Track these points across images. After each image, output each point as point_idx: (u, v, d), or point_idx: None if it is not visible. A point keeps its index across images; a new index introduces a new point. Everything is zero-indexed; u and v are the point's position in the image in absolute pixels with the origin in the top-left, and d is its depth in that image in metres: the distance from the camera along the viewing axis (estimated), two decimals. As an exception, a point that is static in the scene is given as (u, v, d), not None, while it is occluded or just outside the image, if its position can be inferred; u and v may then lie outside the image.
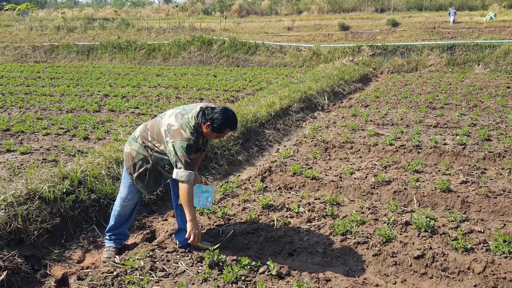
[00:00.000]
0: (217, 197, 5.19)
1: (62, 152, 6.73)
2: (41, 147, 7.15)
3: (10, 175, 5.63)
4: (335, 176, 5.70)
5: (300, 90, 10.92)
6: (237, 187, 5.54)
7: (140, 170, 3.78)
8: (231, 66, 19.61)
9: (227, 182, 5.74)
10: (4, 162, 6.37)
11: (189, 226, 3.56)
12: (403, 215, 4.51)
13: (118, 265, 3.67)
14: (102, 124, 8.49)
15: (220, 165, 6.51)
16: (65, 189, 4.57)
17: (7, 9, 45.97)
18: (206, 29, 27.73)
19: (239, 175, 6.27)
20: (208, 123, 3.52)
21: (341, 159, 6.48)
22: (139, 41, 23.60)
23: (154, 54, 22.06)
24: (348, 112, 9.73)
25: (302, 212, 4.61)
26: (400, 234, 4.05)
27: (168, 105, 10.40)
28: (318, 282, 3.39)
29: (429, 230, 4.05)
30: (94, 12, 47.06)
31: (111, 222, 4.05)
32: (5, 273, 3.43)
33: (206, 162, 6.35)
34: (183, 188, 3.49)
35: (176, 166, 3.48)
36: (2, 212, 4.01)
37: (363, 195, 5.14)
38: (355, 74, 14.61)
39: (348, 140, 7.23)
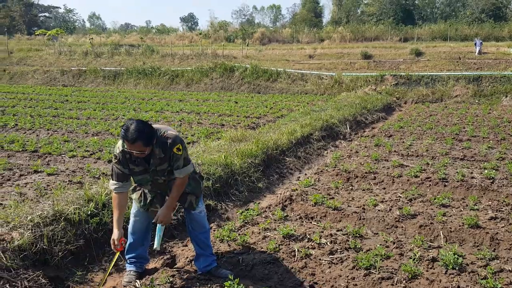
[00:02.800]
0: (237, 225, 5.19)
1: (87, 174, 6.86)
2: (67, 168, 7.30)
3: (37, 196, 5.76)
4: (358, 207, 5.65)
5: (321, 118, 10.94)
6: (257, 214, 5.54)
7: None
8: (252, 93, 19.82)
9: (247, 209, 5.74)
10: (31, 182, 6.52)
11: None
12: (430, 250, 4.41)
13: (139, 289, 3.69)
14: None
15: (240, 192, 6.53)
16: (89, 211, 4.65)
17: (38, 34, 47.66)
18: (228, 56, 28.20)
19: (259, 203, 6.26)
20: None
21: (364, 190, 6.43)
22: (163, 67, 24.12)
23: (177, 80, 22.48)
24: (371, 141, 9.69)
25: (324, 243, 4.57)
26: (427, 271, 3.97)
27: (190, 130, 10.53)
28: (340, 316, 3.34)
29: (457, 268, 3.95)
30: (120, 39, 48.42)
31: (128, 240, 4.09)
32: (29, 293, 3.48)
33: (227, 188, 6.37)
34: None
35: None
36: (29, 233, 4.09)
37: (387, 228, 5.06)
38: (378, 103, 14.59)
39: (371, 171, 7.17)
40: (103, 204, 4.87)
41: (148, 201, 3.88)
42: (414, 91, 18.07)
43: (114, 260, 3.90)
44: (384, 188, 6.52)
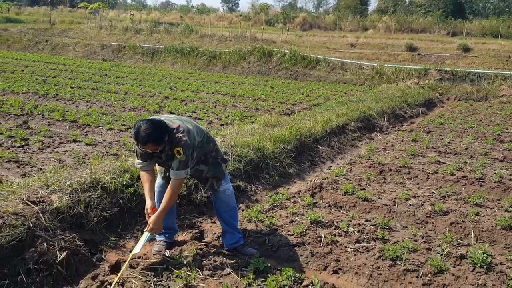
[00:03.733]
0: (265, 207, 5.25)
1: (123, 147, 7.05)
2: (104, 140, 7.52)
3: (75, 163, 5.98)
4: (389, 200, 5.60)
5: (358, 109, 10.81)
6: (286, 199, 5.58)
7: None
8: (289, 79, 19.69)
9: (277, 193, 5.79)
10: (70, 151, 6.77)
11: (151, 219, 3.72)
12: (459, 248, 4.35)
13: (168, 258, 3.82)
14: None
15: (270, 176, 6.56)
16: (125, 182, 4.80)
17: (80, 7, 48.72)
18: (267, 40, 28.04)
19: (288, 188, 6.29)
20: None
21: (396, 184, 6.36)
22: (201, 47, 24.24)
23: (214, 62, 22.56)
24: (408, 136, 9.52)
25: (351, 232, 4.57)
26: (454, 267, 3.92)
27: (224, 112, 10.61)
28: (363, 304, 3.35)
29: (485, 267, 3.88)
30: (160, 16, 48.80)
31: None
32: (65, 253, 3.68)
33: (257, 172, 6.42)
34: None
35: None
36: (67, 197, 4.27)
37: (417, 223, 5.00)
38: (419, 97, 14.25)
39: (406, 165, 7.07)
40: (138, 176, 5.00)
41: (168, 174, 3.93)
42: (458, 87, 17.49)
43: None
44: (418, 184, 6.42)
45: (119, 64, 21.71)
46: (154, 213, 3.71)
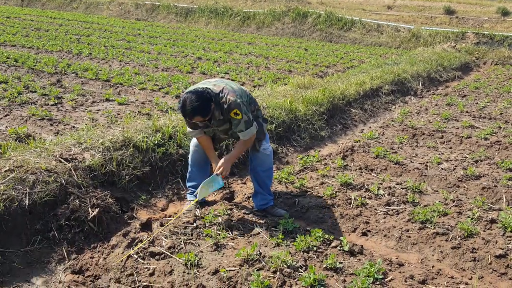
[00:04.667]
0: (296, 169, 5.24)
1: (155, 107, 7.11)
2: (136, 100, 7.60)
3: (108, 122, 6.08)
4: (421, 164, 5.49)
5: (393, 72, 10.49)
6: (317, 161, 5.54)
7: None
8: (323, 41, 19.23)
9: (308, 156, 5.75)
10: (103, 110, 6.88)
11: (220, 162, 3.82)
12: (489, 212, 4.26)
13: (198, 217, 3.88)
14: (193, 85, 8.81)
15: (302, 138, 6.52)
16: (156, 141, 4.85)
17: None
18: (302, 0, 27.31)
19: (319, 150, 6.24)
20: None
21: (429, 148, 6.21)
22: (235, 7, 23.83)
23: (248, 22, 22.18)
24: (442, 100, 9.23)
25: (381, 194, 4.52)
26: (484, 231, 3.85)
27: (257, 73, 10.51)
28: (391, 265, 3.34)
29: (516, 231, 3.80)
30: (195, -25, 47.95)
31: (188, 170, 4.27)
32: (97, 210, 3.76)
33: (289, 133, 6.38)
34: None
35: None
36: (100, 155, 4.35)
37: (448, 187, 4.90)
38: (455, 61, 13.70)
39: (439, 129, 6.88)
40: (169, 136, 5.06)
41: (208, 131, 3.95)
42: (495, 51, 16.70)
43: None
44: (451, 148, 6.26)
45: (153, 24, 21.66)
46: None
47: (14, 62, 9.71)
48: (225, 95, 3.63)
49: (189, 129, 3.94)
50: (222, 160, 3.81)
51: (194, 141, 4.11)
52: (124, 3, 25.91)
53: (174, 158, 4.90)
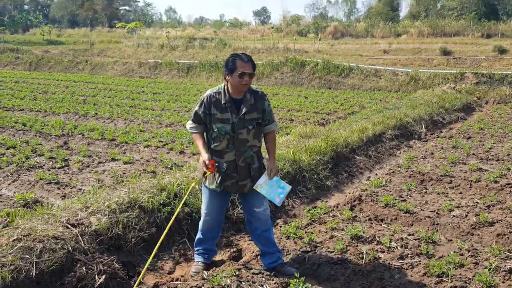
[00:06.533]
0: (303, 222, 5.15)
1: (160, 164, 7.12)
2: (141, 158, 7.63)
3: (114, 183, 6.07)
4: (432, 211, 5.40)
5: (395, 117, 10.56)
6: (324, 213, 5.46)
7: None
8: (323, 88, 19.53)
9: (315, 207, 5.68)
10: (109, 170, 6.89)
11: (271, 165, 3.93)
12: (507, 261, 4.12)
13: (206, 280, 3.77)
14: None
15: (308, 189, 6.46)
16: (162, 201, 4.82)
17: (118, 27, 50.41)
18: (299, 50, 28.02)
19: (327, 201, 6.17)
20: (225, 69, 3.75)
21: (438, 194, 6.12)
22: (235, 60, 24.39)
23: (248, 74, 22.65)
24: (447, 143, 9.21)
25: (393, 247, 4.41)
26: (503, 282, 3.71)
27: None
28: (410, 325, 3.20)
29: (538, 282, 3.66)
30: (195, 32, 49.75)
31: (197, 236, 4.18)
32: (103, 276, 3.67)
33: (294, 185, 6.32)
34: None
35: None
36: (106, 218, 4.31)
37: (462, 235, 4.79)
38: (456, 102, 13.81)
39: (447, 174, 6.82)
40: (174, 194, 5.02)
41: (222, 176, 3.79)
42: (496, 90, 16.85)
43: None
44: (461, 193, 6.17)
45: (156, 81, 22.14)
46: (212, 164, 3.68)
47: (22, 126, 9.86)
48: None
49: (190, 123, 3.88)
50: (270, 164, 3.91)
51: (204, 208, 4.02)
52: (128, 62, 26.64)
53: (180, 217, 4.84)
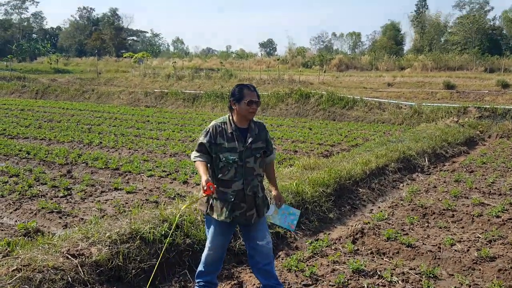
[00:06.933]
0: (305, 255, 5.13)
1: (163, 194, 7.15)
2: (145, 187, 7.66)
3: (116, 213, 6.09)
4: (433, 245, 5.37)
5: (398, 150, 10.59)
6: (326, 246, 5.44)
7: (208, 200, 3.88)
8: (327, 120, 19.67)
9: (317, 240, 5.66)
10: (112, 199, 6.92)
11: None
12: (510, 298, 4.09)
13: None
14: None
15: (310, 221, 6.44)
16: (163, 232, 4.81)
17: (125, 57, 51.33)
18: (304, 81, 28.36)
19: (329, 234, 6.15)
20: (231, 99, 3.85)
21: (440, 228, 6.10)
22: (240, 91, 24.70)
23: (253, 105, 22.88)
24: (450, 176, 9.21)
25: (395, 281, 4.38)
26: (506, 321, 3.67)
27: (264, 155, 10.62)
28: None
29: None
30: (201, 62, 50.56)
31: (198, 268, 4.15)
32: (103, 308, 3.65)
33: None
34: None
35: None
36: (107, 249, 4.31)
37: (463, 270, 4.75)
38: (459, 136, 13.85)
39: (449, 208, 6.80)
40: (176, 225, 5.03)
41: (231, 206, 3.77)
42: (499, 125, 16.89)
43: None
44: (463, 227, 6.14)
45: (162, 110, 22.36)
46: (210, 186, 3.56)
47: (26, 155, 9.96)
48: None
49: (195, 154, 3.85)
50: (277, 193, 4.13)
51: (209, 243, 3.96)
52: (134, 92, 26.99)
53: (181, 249, 4.84)
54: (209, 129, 3.85)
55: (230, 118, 3.87)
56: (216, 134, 3.80)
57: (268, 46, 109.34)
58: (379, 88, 26.90)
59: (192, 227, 5.05)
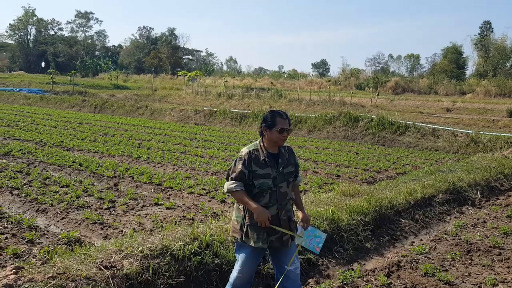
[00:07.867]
0: (335, 285, 5.00)
1: (200, 212, 7.24)
2: (183, 204, 7.80)
3: (153, 227, 6.23)
4: (474, 284, 5.09)
5: (448, 180, 10.14)
6: (358, 277, 5.28)
7: (242, 227, 3.90)
8: (376, 145, 19.24)
9: (350, 269, 5.51)
10: (151, 214, 7.09)
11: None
12: None
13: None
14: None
15: (345, 250, 6.28)
16: (193, 250, 4.87)
17: (179, 75, 53.04)
18: (356, 104, 28.01)
19: (364, 264, 5.96)
20: (263, 125, 3.90)
21: (484, 266, 5.76)
22: (289, 111, 24.76)
23: (299, 126, 22.81)
24: (503, 211, 8.71)
25: (426, 320, 4.17)
26: None
27: (304, 178, 10.55)
28: None
29: None
30: (252, 82, 51.25)
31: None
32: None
33: (331, 244, 6.18)
34: (233, 196, 3.87)
35: (227, 179, 3.93)
36: (138, 263, 4.42)
37: (504, 315, 4.46)
38: (517, 168, 13.10)
39: (497, 245, 6.43)
40: (206, 244, 5.07)
41: (267, 232, 3.79)
42: None
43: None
44: (509, 267, 5.75)
45: (209, 128, 22.78)
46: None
47: (79, 166, 10.44)
48: None
49: (229, 182, 3.84)
50: (303, 215, 4.06)
51: (240, 267, 3.94)
52: (184, 109, 27.72)
53: (210, 268, 4.87)
54: (244, 157, 3.86)
55: (261, 144, 3.90)
56: (251, 161, 3.83)
57: (321, 67, 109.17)
58: (436, 113, 26.07)
59: (222, 247, 5.07)
